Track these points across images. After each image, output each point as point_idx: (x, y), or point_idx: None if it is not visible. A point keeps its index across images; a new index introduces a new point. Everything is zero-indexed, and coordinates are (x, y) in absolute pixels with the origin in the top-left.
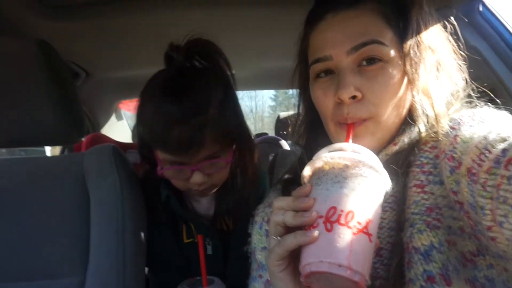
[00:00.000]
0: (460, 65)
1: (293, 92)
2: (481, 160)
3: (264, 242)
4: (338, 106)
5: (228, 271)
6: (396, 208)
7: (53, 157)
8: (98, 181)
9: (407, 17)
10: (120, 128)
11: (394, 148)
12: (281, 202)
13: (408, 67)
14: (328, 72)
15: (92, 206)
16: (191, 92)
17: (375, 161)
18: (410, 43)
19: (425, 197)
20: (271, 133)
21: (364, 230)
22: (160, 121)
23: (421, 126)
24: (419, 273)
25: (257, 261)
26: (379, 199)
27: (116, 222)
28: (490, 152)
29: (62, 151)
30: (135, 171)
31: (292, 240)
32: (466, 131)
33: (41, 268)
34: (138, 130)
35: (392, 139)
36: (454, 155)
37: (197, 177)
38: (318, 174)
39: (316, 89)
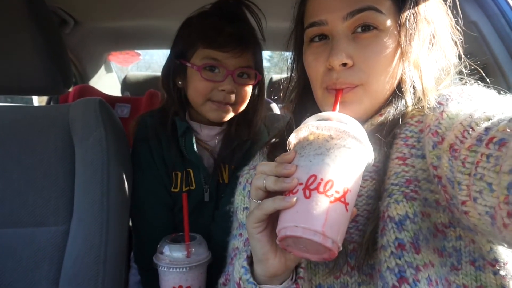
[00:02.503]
0: (456, 41)
1: (288, 54)
2: (464, 137)
3: (246, 202)
4: (328, 72)
5: (214, 230)
6: (376, 177)
7: (38, 107)
8: (84, 134)
9: None
10: (109, 80)
11: (380, 118)
12: (264, 167)
13: (402, 38)
14: (322, 37)
15: (77, 158)
16: (240, 15)
17: (360, 132)
18: (407, 13)
19: (406, 169)
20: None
21: (342, 199)
22: (215, 17)
23: (408, 99)
24: (391, 240)
25: (238, 220)
26: (360, 170)
27: (101, 175)
28: (473, 129)
29: (48, 101)
30: (121, 125)
31: (270, 204)
32: (453, 108)
33: (27, 216)
34: (181, 34)
35: (379, 110)
36: (439, 131)
37: (229, 83)
38: (302, 143)
39: (309, 54)
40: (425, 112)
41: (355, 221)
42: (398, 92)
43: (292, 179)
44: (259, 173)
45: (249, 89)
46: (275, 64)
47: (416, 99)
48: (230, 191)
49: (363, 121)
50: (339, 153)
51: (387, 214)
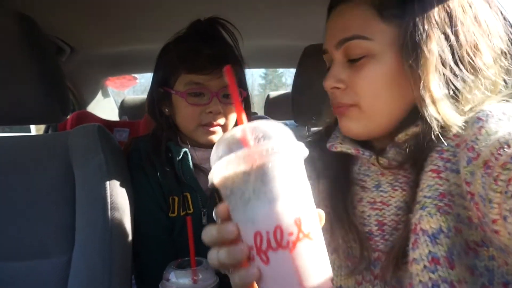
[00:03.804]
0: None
1: (283, 71)
2: (499, 154)
3: None
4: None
5: None
6: (407, 189)
7: (37, 136)
8: (83, 161)
9: (404, 4)
10: (107, 105)
11: (416, 129)
12: (207, 236)
13: (404, 60)
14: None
15: (77, 186)
16: (216, 34)
17: (277, 139)
18: (406, 34)
19: (440, 182)
20: (261, 111)
21: (300, 236)
22: (192, 40)
23: (432, 122)
24: (424, 254)
25: None
26: (301, 178)
27: (103, 203)
28: (510, 147)
29: (47, 130)
30: (121, 150)
31: (239, 282)
32: (493, 124)
33: (27, 249)
34: (161, 62)
35: (393, 127)
36: (475, 146)
37: (215, 104)
38: (224, 191)
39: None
40: (453, 132)
41: (381, 229)
42: (410, 116)
43: (241, 247)
44: (207, 243)
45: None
46: (270, 81)
47: (427, 126)
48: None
49: (391, 134)
50: (268, 185)
51: (419, 227)
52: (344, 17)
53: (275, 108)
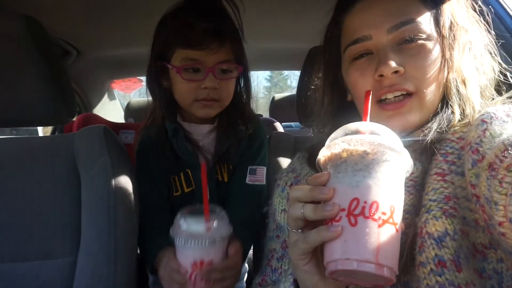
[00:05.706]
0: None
1: (288, 73)
2: (504, 156)
3: (284, 204)
4: (378, 84)
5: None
6: (414, 192)
7: (43, 138)
8: (89, 163)
9: None
10: (112, 107)
11: (421, 134)
12: (297, 192)
13: (444, 45)
14: (366, 54)
15: (83, 188)
16: (214, 6)
17: (395, 142)
18: (445, 23)
19: (445, 185)
20: (266, 114)
21: (390, 220)
22: (189, 14)
23: (456, 108)
24: (431, 257)
25: (275, 222)
26: (402, 182)
27: (108, 203)
28: None
29: (53, 132)
30: (126, 152)
31: (316, 237)
32: (497, 127)
33: (33, 249)
34: (158, 35)
35: (425, 123)
36: (480, 149)
37: (210, 80)
38: (335, 161)
39: (353, 71)
40: (468, 117)
41: None
42: (444, 102)
43: (333, 206)
44: (293, 200)
45: (232, 83)
46: (275, 84)
47: (461, 109)
48: (233, 190)
49: (406, 134)
50: (379, 168)
51: (425, 230)
52: (393, 3)
53: (280, 110)
